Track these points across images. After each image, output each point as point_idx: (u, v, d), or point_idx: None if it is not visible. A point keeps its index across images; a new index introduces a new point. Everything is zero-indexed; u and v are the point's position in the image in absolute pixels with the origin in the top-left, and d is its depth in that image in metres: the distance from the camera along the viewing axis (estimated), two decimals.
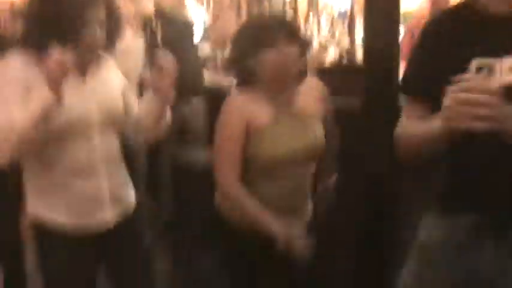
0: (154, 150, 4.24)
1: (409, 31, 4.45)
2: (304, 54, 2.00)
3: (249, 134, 2.07)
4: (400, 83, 1.93)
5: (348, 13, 5.64)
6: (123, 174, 2.18)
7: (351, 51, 4.89)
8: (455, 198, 1.66)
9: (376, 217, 2.72)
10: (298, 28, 2.38)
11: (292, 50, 1.94)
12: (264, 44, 1.99)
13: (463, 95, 1.21)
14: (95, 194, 2.05)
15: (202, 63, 5.60)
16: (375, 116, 2.69)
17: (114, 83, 2.12)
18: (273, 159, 2.08)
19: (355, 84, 2.86)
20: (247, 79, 2.09)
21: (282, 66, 1.99)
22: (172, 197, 4.16)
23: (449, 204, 1.69)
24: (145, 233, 2.30)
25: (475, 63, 1.46)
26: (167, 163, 4.12)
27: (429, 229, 1.73)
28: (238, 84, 2.13)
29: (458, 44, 1.55)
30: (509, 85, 1.36)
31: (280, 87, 2.06)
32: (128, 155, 2.28)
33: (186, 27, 4.37)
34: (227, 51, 6.18)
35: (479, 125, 1.20)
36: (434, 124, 1.39)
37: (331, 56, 4.98)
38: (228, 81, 3.78)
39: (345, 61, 4.81)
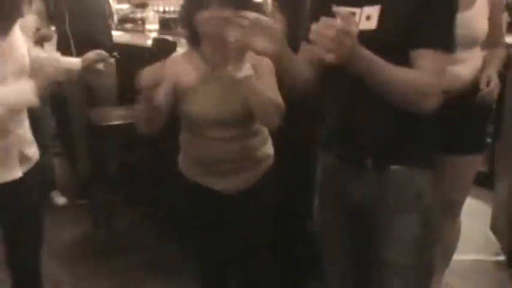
0: (64, 110, 4.23)
1: None
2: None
3: (177, 91, 2.10)
4: None
5: None
6: (28, 132, 2.19)
7: None
8: (323, 135, 1.84)
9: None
10: None
11: (226, 13, 1.92)
12: (199, 5, 2.01)
13: (323, 30, 1.37)
14: (3, 154, 2.06)
15: (119, 22, 5.55)
16: None
17: (20, 39, 2.13)
18: (195, 119, 2.11)
19: None
20: (191, 38, 2.12)
21: (212, 27, 2.00)
22: (87, 155, 4.14)
23: (322, 141, 1.86)
24: (35, 188, 2.28)
25: (341, 10, 1.58)
26: (79, 122, 4.08)
27: (319, 165, 1.89)
28: (187, 43, 2.17)
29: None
30: (363, 30, 1.55)
31: (216, 50, 2.06)
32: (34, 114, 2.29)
33: None
34: (147, 11, 6.18)
35: (329, 57, 1.37)
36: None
37: None
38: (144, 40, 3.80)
39: None
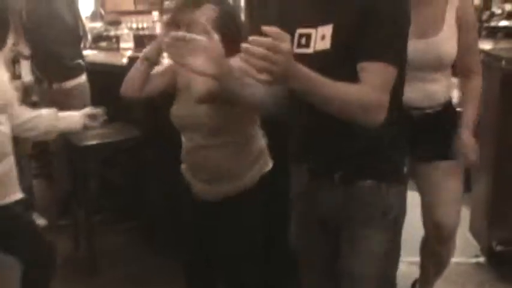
0: None
1: None
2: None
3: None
4: None
5: None
6: (11, 160, 2.22)
7: None
8: (293, 148, 1.86)
9: None
10: None
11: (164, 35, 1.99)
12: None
13: (257, 50, 1.35)
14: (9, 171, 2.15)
15: (93, 41, 5.54)
16: None
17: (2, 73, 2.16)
18: (174, 122, 2.24)
19: None
20: None
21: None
22: (66, 176, 4.12)
23: (293, 154, 1.88)
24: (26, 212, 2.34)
25: (298, 31, 1.69)
26: (56, 142, 4.07)
27: (292, 177, 1.92)
28: None
29: (285, 14, 1.79)
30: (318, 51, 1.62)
31: None
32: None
33: None
34: (120, 29, 6.18)
35: (261, 77, 1.36)
36: None
37: None
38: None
39: None
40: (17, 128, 2.32)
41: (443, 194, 2.51)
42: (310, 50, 1.65)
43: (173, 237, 3.36)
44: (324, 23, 1.62)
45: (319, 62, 1.54)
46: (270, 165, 2.29)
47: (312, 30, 1.65)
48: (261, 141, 2.29)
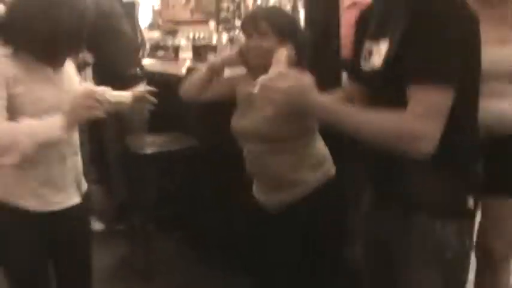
0: (99, 139, 4.32)
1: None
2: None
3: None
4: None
5: None
6: (80, 161, 2.26)
7: None
8: (360, 169, 1.86)
9: None
10: None
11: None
12: None
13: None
14: (61, 179, 2.13)
15: (151, 50, 5.65)
16: None
17: (72, 74, 2.22)
18: (233, 131, 2.31)
19: None
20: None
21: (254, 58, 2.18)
22: (123, 183, 4.21)
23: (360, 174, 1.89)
24: (88, 217, 2.40)
25: (365, 46, 1.65)
26: (115, 149, 4.16)
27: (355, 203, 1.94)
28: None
29: (361, 31, 1.73)
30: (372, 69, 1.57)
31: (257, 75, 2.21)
32: None
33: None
34: (177, 38, 6.28)
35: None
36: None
37: None
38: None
39: None
40: None
41: (501, 225, 2.32)
42: (367, 67, 1.61)
43: (224, 247, 3.42)
44: (382, 37, 1.56)
45: (372, 80, 1.51)
46: (332, 171, 2.26)
47: (373, 45, 1.60)
48: (322, 147, 2.28)
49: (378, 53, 1.55)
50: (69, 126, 1.94)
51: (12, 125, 1.91)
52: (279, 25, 2.13)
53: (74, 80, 2.22)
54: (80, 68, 4.18)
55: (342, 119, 1.44)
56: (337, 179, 2.24)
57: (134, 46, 4.31)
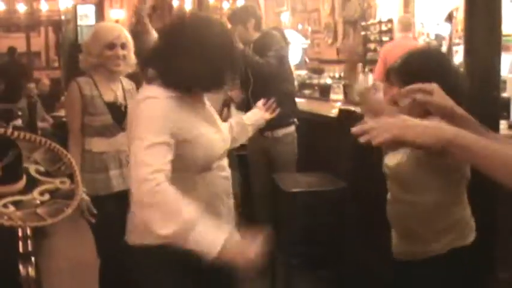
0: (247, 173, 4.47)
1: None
2: None
3: None
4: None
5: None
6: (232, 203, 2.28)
7: None
8: None
9: None
10: None
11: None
12: None
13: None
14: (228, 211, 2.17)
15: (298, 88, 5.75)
16: None
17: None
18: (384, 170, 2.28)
19: None
20: None
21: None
22: (267, 217, 4.31)
23: None
24: None
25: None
26: (261, 185, 4.31)
27: None
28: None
29: None
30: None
31: None
32: None
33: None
34: (323, 77, 6.38)
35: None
36: None
37: None
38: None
39: None
40: None
41: None
42: None
43: None
44: None
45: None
46: (467, 240, 2.09)
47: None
48: (464, 210, 2.12)
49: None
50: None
51: (188, 208, 1.78)
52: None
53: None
54: (225, 104, 4.37)
55: (479, 155, 1.30)
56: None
57: (291, 88, 4.37)
